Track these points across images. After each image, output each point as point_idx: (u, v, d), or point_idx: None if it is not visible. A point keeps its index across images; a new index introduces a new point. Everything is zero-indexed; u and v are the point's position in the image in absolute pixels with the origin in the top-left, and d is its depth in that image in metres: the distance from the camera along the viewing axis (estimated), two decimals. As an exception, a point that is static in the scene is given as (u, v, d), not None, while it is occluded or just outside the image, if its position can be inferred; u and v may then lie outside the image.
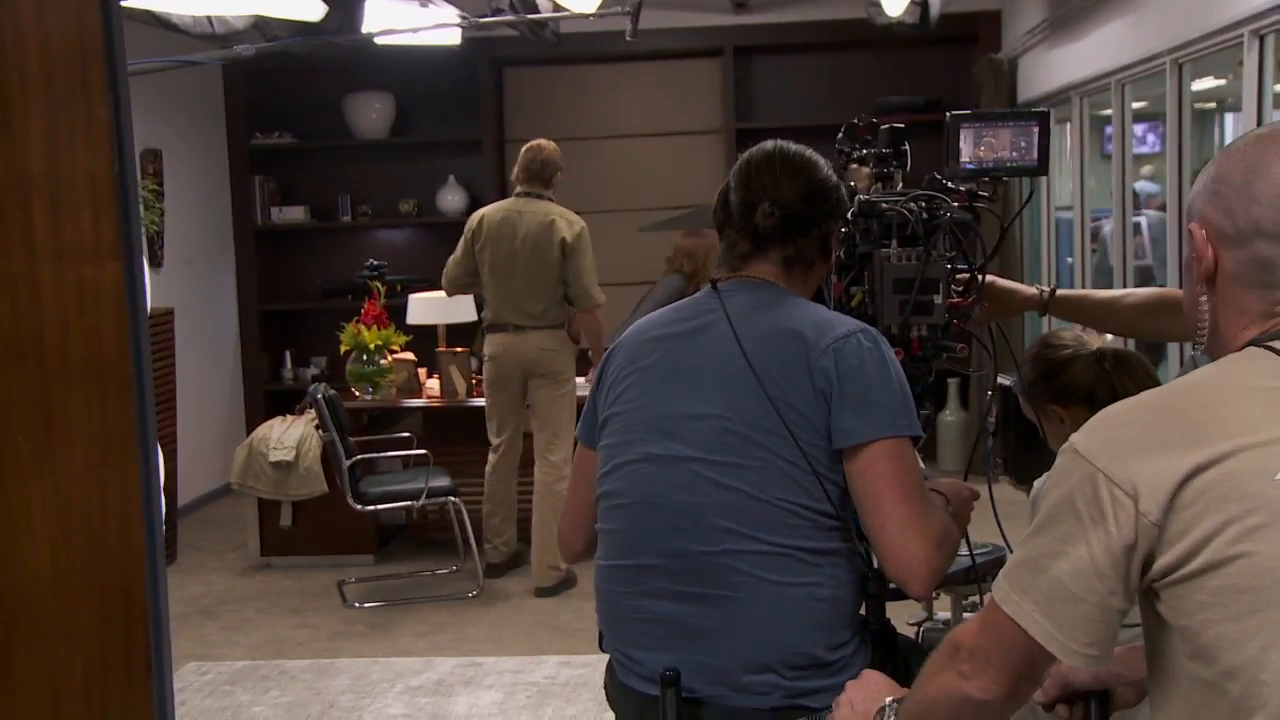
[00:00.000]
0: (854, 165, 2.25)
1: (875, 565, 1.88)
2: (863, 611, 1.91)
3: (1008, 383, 2.50)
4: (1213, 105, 7.25)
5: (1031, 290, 2.35)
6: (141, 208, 5.79)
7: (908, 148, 2.26)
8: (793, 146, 2.00)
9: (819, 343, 1.83)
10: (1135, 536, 1.20)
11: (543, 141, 5.42)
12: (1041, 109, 2.31)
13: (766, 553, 1.81)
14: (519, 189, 5.39)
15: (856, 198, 2.13)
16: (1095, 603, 1.23)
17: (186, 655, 4.76)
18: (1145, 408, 1.26)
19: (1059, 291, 2.32)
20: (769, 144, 2.01)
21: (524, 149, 5.43)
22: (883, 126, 2.27)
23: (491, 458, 5.59)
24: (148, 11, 4.48)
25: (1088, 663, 1.27)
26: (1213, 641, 1.18)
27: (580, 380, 5.57)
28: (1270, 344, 1.24)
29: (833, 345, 1.83)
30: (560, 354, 5.41)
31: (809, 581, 1.82)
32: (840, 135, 2.30)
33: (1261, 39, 3.59)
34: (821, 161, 2.01)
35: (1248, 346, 1.25)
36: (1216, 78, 5.75)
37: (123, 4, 3.69)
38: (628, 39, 3.63)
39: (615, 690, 1.97)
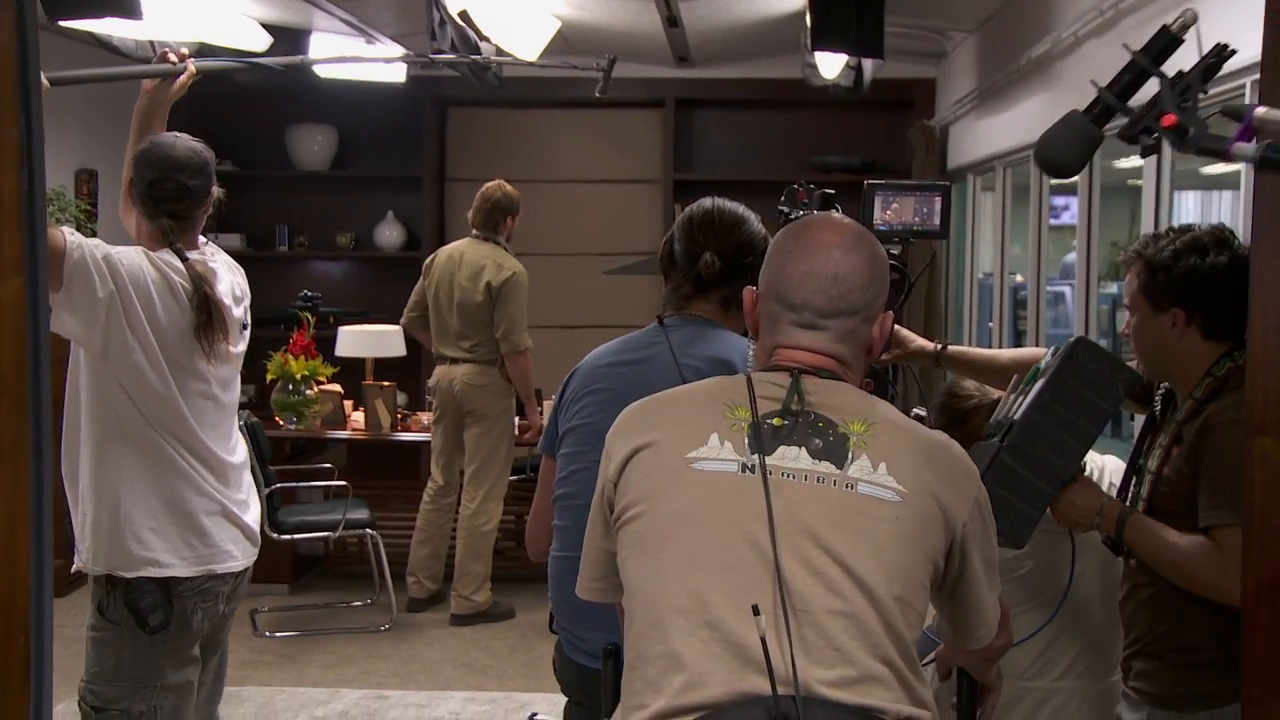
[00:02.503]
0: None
1: None
2: None
3: (921, 412, 2.77)
4: (1140, 182, 7.48)
5: (927, 343, 2.66)
6: (73, 227, 5.77)
7: (838, 209, 2.47)
8: (727, 203, 2.39)
9: (744, 369, 2.07)
10: None
11: (497, 185, 5.56)
12: (943, 182, 2.59)
13: None
14: (472, 230, 5.52)
15: None
16: None
17: (90, 679, 4.69)
18: None
19: (949, 348, 2.64)
20: (707, 201, 2.39)
21: (478, 194, 5.54)
22: (817, 191, 2.62)
23: (429, 489, 5.62)
24: (89, 33, 4.49)
25: None
26: None
27: (519, 420, 5.63)
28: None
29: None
30: (488, 391, 5.45)
31: None
32: (783, 198, 2.62)
33: (1163, 121, 3.75)
34: (752, 216, 2.40)
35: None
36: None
37: (67, 25, 3.67)
38: (598, 94, 3.71)
39: (562, 665, 2.36)
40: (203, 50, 5.22)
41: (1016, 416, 2.18)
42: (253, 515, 2.86)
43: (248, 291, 2.92)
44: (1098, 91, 1.82)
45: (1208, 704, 2.18)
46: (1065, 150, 1.80)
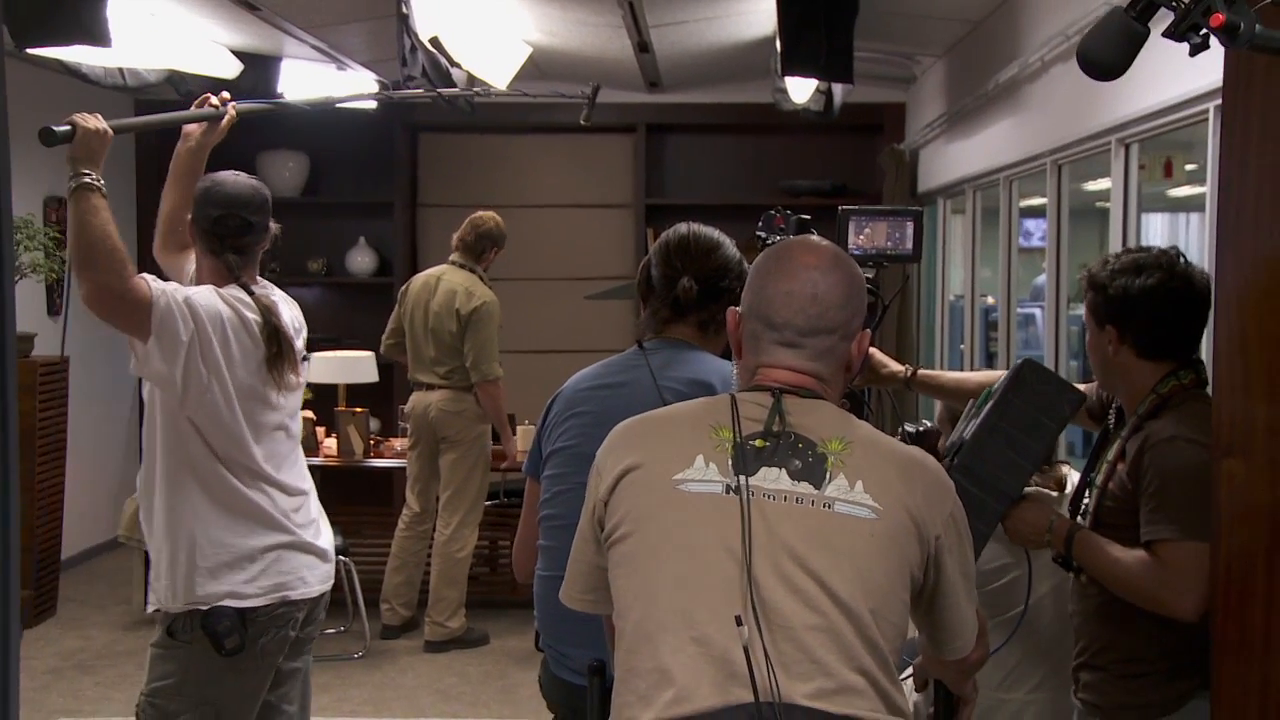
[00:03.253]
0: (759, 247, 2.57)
1: None
2: None
3: (928, 423, 2.90)
4: (1109, 204, 7.56)
5: (899, 367, 2.73)
6: (41, 254, 5.73)
7: (814, 234, 2.57)
8: (703, 229, 2.43)
9: (724, 390, 2.15)
10: None
11: (486, 215, 5.60)
12: (915, 208, 2.66)
13: None
14: (451, 255, 5.56)
15: None
16: None
17: (59, 710, 4.65)
18: None
19: (919, 371, 2.70)
20: (683, 227, 2.43)
21: (468, 219, 5.59)
22: (793, 217, 2.73)
23: (404, 516, 5.60)
24: (58, 61, 4.48)
25: None
26: None
27: (496, 446, 5.63)
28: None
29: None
30: (462, 417, 5.45)
31: None
32: (760, 223, 2.75)
33: (1127, 147, 3.81)
34: (727, 241, 2.44)
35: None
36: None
37: (34, 54, 3.67)
38: (582, 121, 3.73)
39: (548, 682, 2.39)
40: (170, 78, 5.22)
41: (966, 436, 2.23)
42: (325, 538, 2.92)
43: (304, 323, 2.96)
44: None
45: (1150, 713, 2.23)
46: (1107, 48, 1.75)
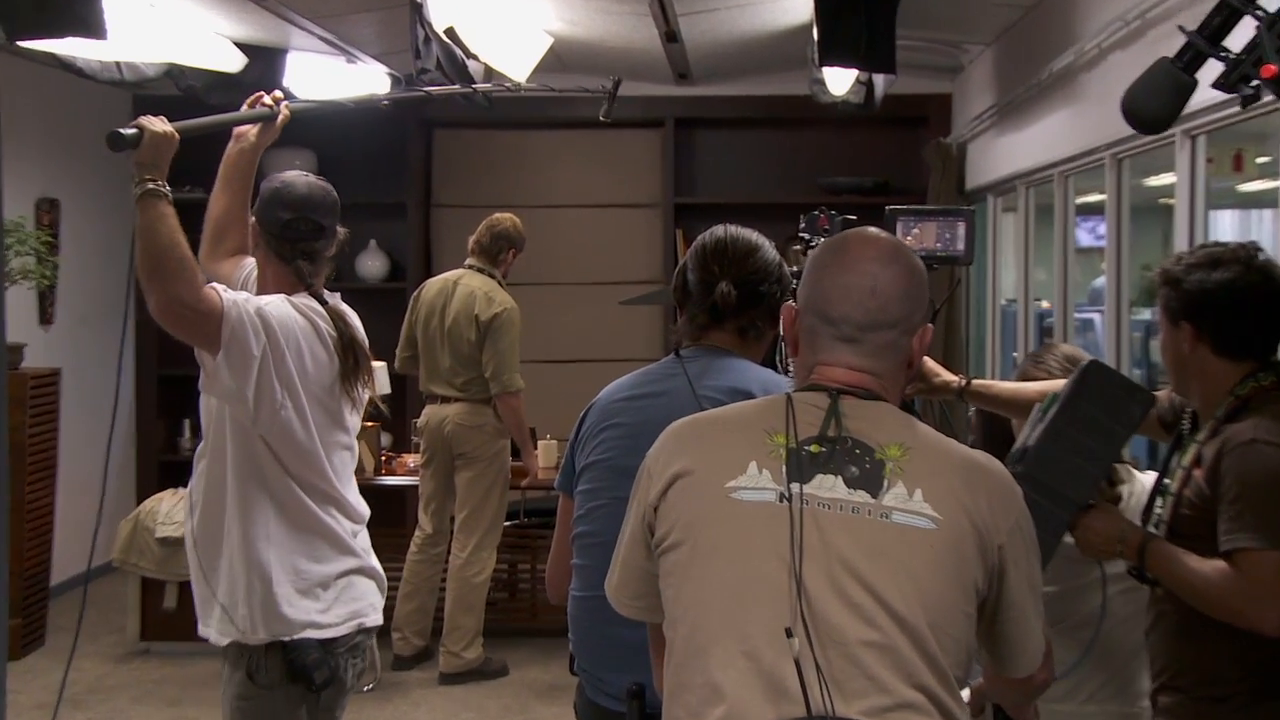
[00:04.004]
0: (796, 247, 2.59)
1: None
2: None
3: None
4: (1174, 201, 7.52)
5: (952, 377, 2.73)
6: (32, 260, 5.79)
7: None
8: (741, 231, 2.47)
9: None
10: None
11: (503, 216, 5.62)
12: (967, 207, 2.67)
13: None
14: (468, 259, 5.56)
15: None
16: None
17: (51, 746, 4.66)
18: None
19: (974, 382, 2.69)
20: (720, 229, 2.47)
21: (484, 221, 5.61)
22: (838, 217, 2.79)
23: (417, 538, 5.59)
24: (51, 55, 4.53)
25: None
26: None
27: (515, 463, 5.64)
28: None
29: None
30: (481, 431, 5.45)
31: None
32: (803, 224, 2.80)
33: (1193, 139, 3.78)
34: (766, 243, 2.48)
35: None
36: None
37: (26, 47, 3.72)
38: (602, 118, 3.71)
39: (584, 707, 2.42)
40: (170, 72, 5.27)
41: (1031, 443, 2.25)
42: (377, 562, 2.94)
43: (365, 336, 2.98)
44: (1187, 36, 1.77)
45: None
46: (1153, 101, 1.75)
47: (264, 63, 5.49)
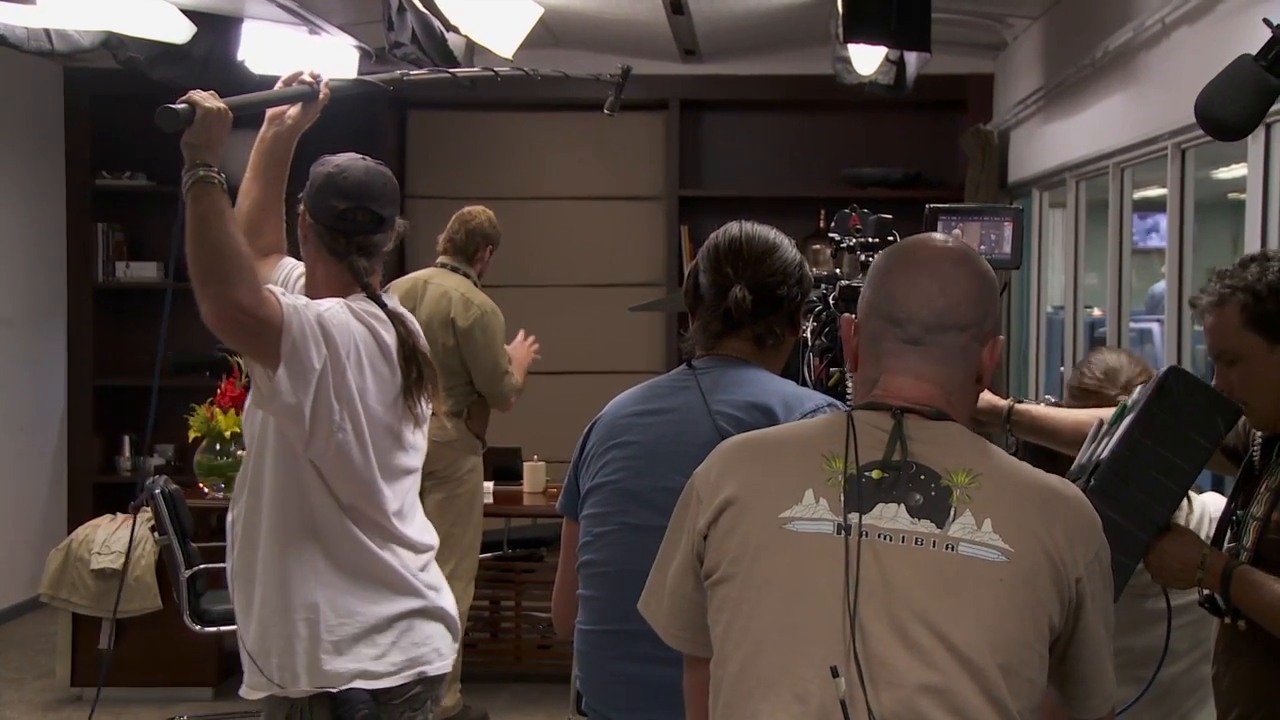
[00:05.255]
0: (816, 246, 2.60)
1: None
2: None
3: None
4: (1244, 196, 7.53)
5: (999, 400, 2.71)
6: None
7: (896, 237, 2.71)
8: (757, 228, 2.49)
9: (788, 417, 2.28)
10: None
11: (476, 210, 5.64)
12: (1013, 206, 2.71)
13: None
14: (439, 259, 5.58)
15: (839, 283, 2.81)
16: None
17: (-32, 807, 4.64)
18: None
19: (1017, 406, 2.70)
20: (734, 227, 2.50)
21: (454, 215, 5.62)
22: (872, 216, 2.85)
23: None
24: (-27, 22, 4.52)
25: None
26: None
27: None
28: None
29: (801, 419, 2.24)
30: (452, 448, 5.43)
31: None
32: (833, 223, 2.82)
33: (1268, 126, 3.76)
34: (785, 241, 2.50)
35: None
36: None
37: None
38: (606, 111, 3.65)
39: None
40: (108, 41, 5.26)
41: (1104, 456, 2.26)
42: (450, 601, 2.90)
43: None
44: (1272, 31, 1.77)
45: None
46: (1233, 104, 1.75)
47: (215, 32, 5.48)
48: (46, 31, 4.89)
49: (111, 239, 7.75)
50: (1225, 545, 2.40)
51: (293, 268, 2.97)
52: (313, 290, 2.81)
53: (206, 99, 2.60)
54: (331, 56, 5.87)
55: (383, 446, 2.70)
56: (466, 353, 5.38)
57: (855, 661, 1.64)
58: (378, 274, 2.84)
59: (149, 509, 5.40)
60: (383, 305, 2.76)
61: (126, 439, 7.80)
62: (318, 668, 2.69)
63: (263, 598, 2.74)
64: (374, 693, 2.71)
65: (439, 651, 2.82)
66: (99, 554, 5.63)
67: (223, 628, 5.32)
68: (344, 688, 2.70)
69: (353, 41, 5.98)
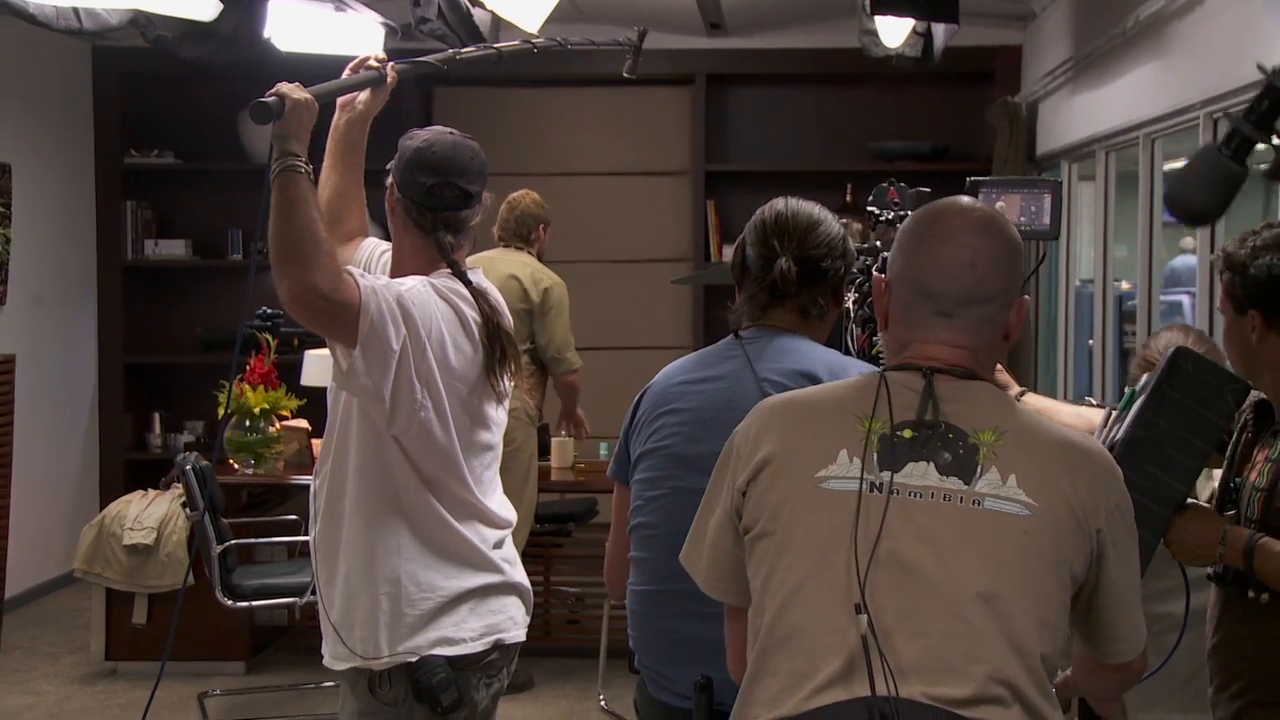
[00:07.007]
0: (844, 220, 2.73)
1: None
2: None
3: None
4: None
5: (1013, 384, 2.75)
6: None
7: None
8: (802, 203, 2.61)
9: (830, 382, 2.32)
10: None
11: (521, 194, 5.83)
12: (1053, 179, 2.76)
13: None
14: (499, 242, 5.81)
15: (880, 254, 2.89)
16: None
17: (4, 779, 4.70)
18: None
19: (1026, 395, 2.73)
20: (779, 202, 2.61)
21: (503, 202, 5.79)
22: (910, 190, 2.95)
23: None
24: (2, 2, 4.53)
25: None
26: None
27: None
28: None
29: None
30: (512, 416, 5.46)
31: None
32: (871, 197, 2.93)
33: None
34: (829, 216, 2.61)
35: None
36: None
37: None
38: (626, 74, 3.69)
39: (645, 705, 2.61)
40: (136, 20, 5.26)
41: (1119, 437, 2.33)
42: (523, 575, 2.95)
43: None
44: (1231, 123, 1.86)
45: None
46: (1200, 194, 1.90)
47: (241, 10, 5.46)
48: (75, 10, 4.90)
49: (140, 217, 7.79)
50: (1225, 513, 2.46)
51: (374, 247, 3.00)
52: (399, 266, 2.84)
53: (294, 90, 2.69)
54: (358, 33, 5.87)
55: (464, 423, 2.74)
56: (538, 324, 5.58)
57: (869, 617, 1.74)
58: (464, 250, 2.84)
59: (180, 485, 5.44)
60: (468, 282, 2.77)
61: (156, 415, 7.85)
62: (399, 640, 2.74)
63: (347, 571, 2.78)
64: (451, 659, 2.76)
65: (514, 620, 2.87)
66: (131, 529, 5.67)
67: (254, 603, 5.36)
68: (423, 655, 2.75)
69: (379, 18, 5.97)
